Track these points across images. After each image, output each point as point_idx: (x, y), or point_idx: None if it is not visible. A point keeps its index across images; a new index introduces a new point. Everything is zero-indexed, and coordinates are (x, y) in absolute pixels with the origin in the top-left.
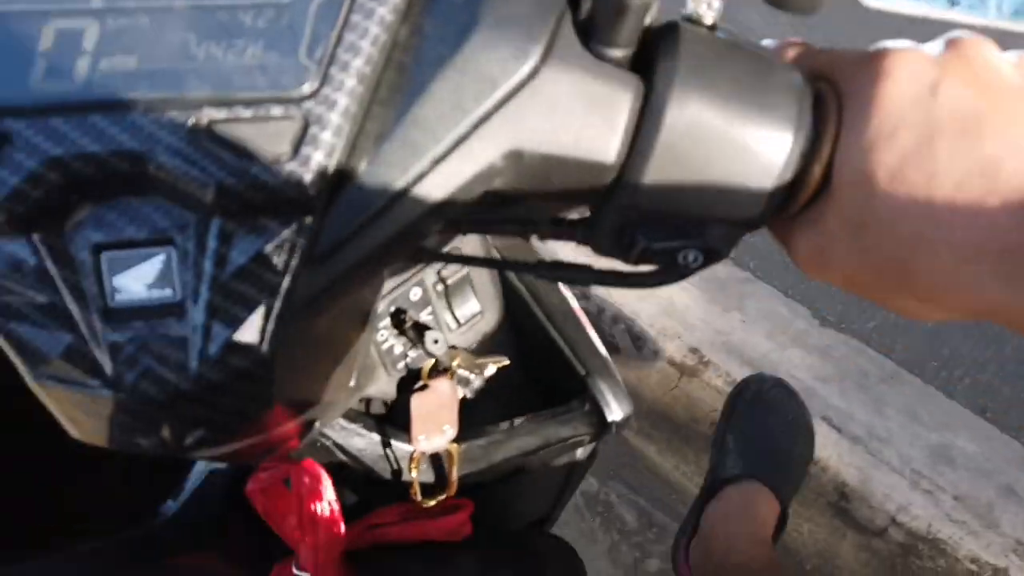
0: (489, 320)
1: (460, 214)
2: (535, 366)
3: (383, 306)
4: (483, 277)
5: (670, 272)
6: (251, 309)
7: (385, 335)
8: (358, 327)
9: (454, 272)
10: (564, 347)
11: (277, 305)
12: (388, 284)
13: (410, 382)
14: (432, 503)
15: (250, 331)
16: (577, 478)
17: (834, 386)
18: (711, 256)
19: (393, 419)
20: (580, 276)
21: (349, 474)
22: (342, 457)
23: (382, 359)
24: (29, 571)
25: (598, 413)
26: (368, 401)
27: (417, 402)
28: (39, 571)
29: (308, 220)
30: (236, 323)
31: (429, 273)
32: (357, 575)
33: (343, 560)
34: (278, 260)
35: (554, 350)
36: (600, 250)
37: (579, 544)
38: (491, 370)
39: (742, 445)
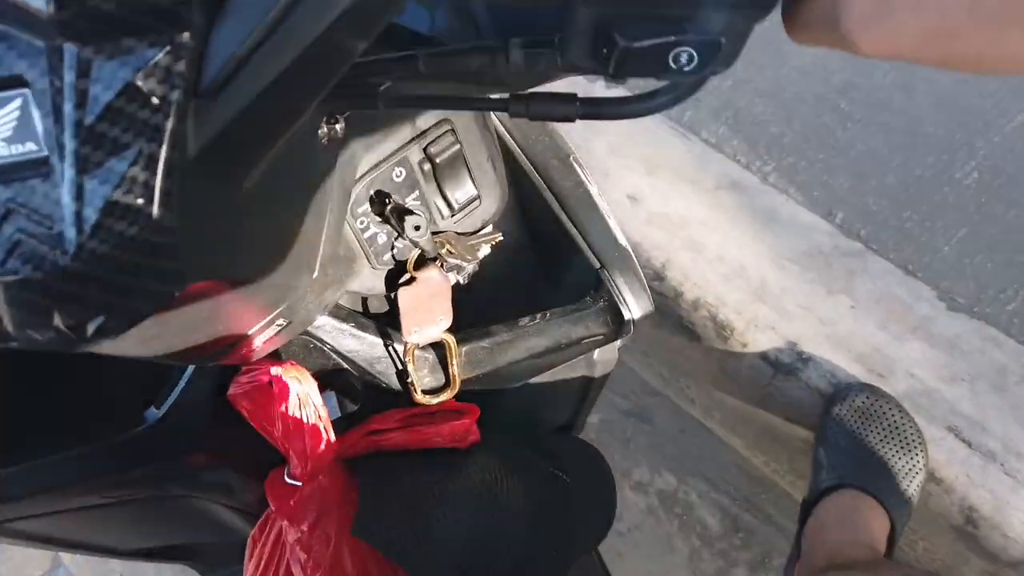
0: (489, 206)
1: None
2: (546, 258)
3: (361, 188)
4: (479, 157)
5: (664, 91)
6: (129, 159)
7: (366, 222)
8: (306, 201)
9: (444, 149)
10: (577, 236)
11: (163, 153)
12: (365, 162)
13: (400, 275)
14: (435, 400)
15: (133, 188)
16: (599, 382)
17: (964, 388)
18: (708, 53)
19: (391, 318)
20: (562, 109)
21: (347, 380)
22: (337, 360)
23: (365, 250)
24: (16, 476)
25: (614, 310)
26: (365, 300)
27: (405, 296)
28: (27, 475)
29: (185, 37)
30: (113, 178)
31: (413, 150)
32: (355, 483)
33: (339, 467)
34: (154, 93)
35: (566, 240)
36: (579, 66)
37: (654, 552)
38: (485, 251)
39: (834, 458)
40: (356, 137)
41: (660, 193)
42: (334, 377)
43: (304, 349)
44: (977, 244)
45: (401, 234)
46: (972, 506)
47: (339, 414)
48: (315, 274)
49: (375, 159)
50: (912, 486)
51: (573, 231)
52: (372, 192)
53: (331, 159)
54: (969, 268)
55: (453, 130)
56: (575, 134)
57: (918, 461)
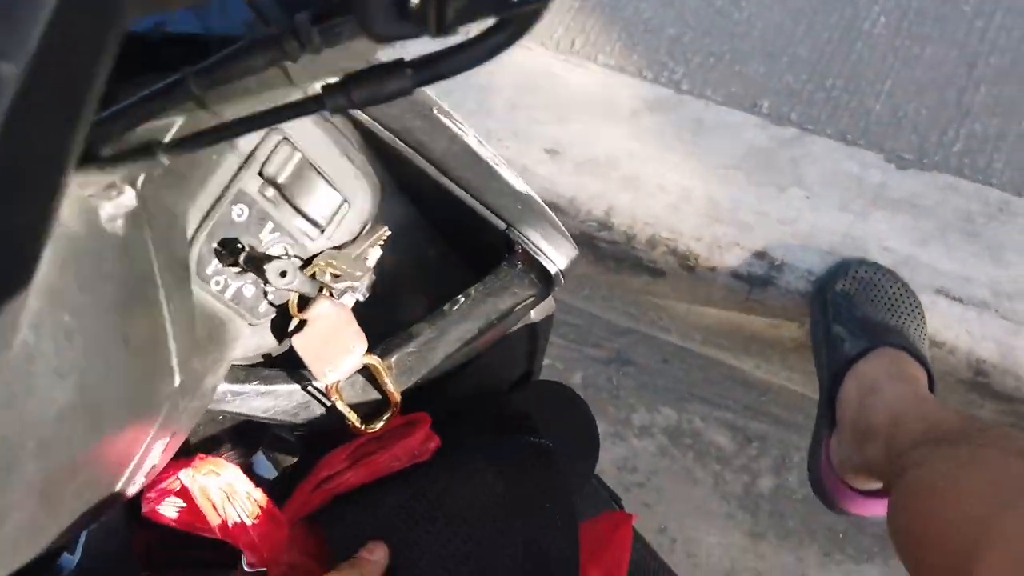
0: (361, 205)
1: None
2: (448, 233)
3: (200, 246)
4: (330, 155)
5: (506, 22)
6: None
7: (222, 280)
8: (121, 309)
9: (283, 165)
10: (469, 199)
11: None
12: (192, 216)
13: (287, 319)
14: (378, 425)
15: None
16: (545, 329)
17: (937, 246)
18: None
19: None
20: (392, 84)
21: (275, 434)
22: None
23: (233, 310)
24: None
25: (537, 267)
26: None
27: (301, 343)
28: None
29: None
30: None
31: (247, 179)
32: (324, 541)
33: (300, 532)
34: None
35: (461, 207)
36: (383, 33)
37: (679, 490)
38: (375, 254)
39: (855, 327)
40: (165, 193)
41: (579, 138)
42: (260, 436)
43: (212, 423)
44: (906, 92)
45: (267, 283)
46: (979, 359)
47: (275, 472)
48: (178, 379)
49: (203, 208)
50: (926, 353)
51: (463, 195)
52: (215, 245)
53: (138, 238)
54: (905, 120)
55: (287, 138)
56: (469, 100)
57: (924, 329)
